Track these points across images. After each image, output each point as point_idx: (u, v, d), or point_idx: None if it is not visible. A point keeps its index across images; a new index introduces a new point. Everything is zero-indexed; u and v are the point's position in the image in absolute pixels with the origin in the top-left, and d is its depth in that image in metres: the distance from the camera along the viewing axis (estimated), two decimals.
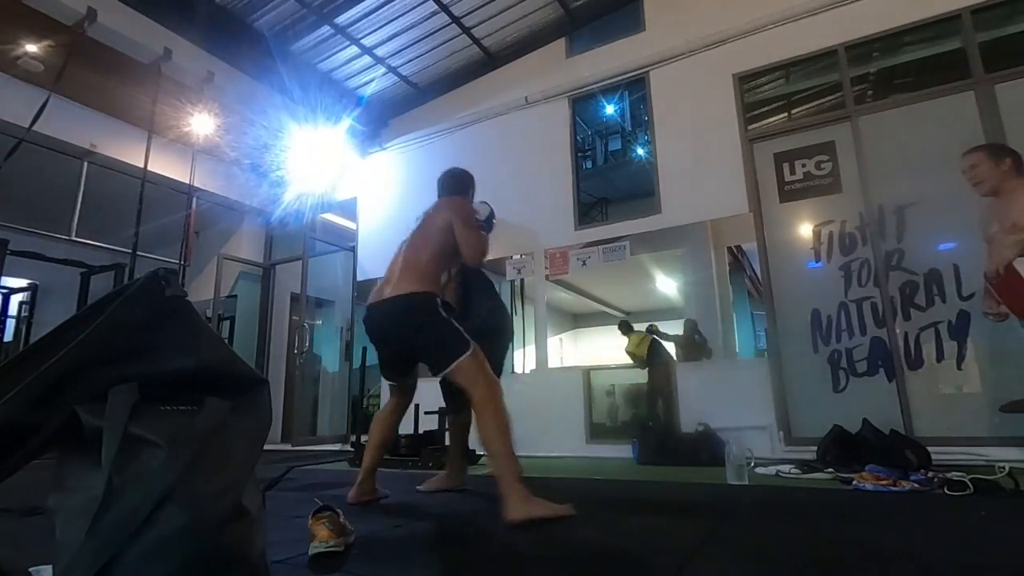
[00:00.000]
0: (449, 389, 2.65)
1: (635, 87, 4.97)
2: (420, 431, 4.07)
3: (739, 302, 4.74)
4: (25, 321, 6.08)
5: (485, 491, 2.46)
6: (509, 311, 3.09)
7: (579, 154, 5.21)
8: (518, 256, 4.97)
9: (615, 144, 5.85)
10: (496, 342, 2.93)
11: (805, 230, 3.88)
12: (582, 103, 5.17)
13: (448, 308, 2.15)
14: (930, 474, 2.39)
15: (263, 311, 6.72)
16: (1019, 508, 1.91)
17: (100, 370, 0.84)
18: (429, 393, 3.71)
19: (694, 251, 4.50)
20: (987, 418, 3.15)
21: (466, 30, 5.06)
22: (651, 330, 4.78)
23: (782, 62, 4.19)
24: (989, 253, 2.44)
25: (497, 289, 3.14)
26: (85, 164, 5.13)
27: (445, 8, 4.77)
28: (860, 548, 1.42)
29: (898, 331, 3.48)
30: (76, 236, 5.14)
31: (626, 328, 5.01)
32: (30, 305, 6.12)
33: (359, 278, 5.92)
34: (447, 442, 3.98)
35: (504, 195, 5.12)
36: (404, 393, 2.51)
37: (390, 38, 5.06)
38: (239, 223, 6.83)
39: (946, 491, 2.17)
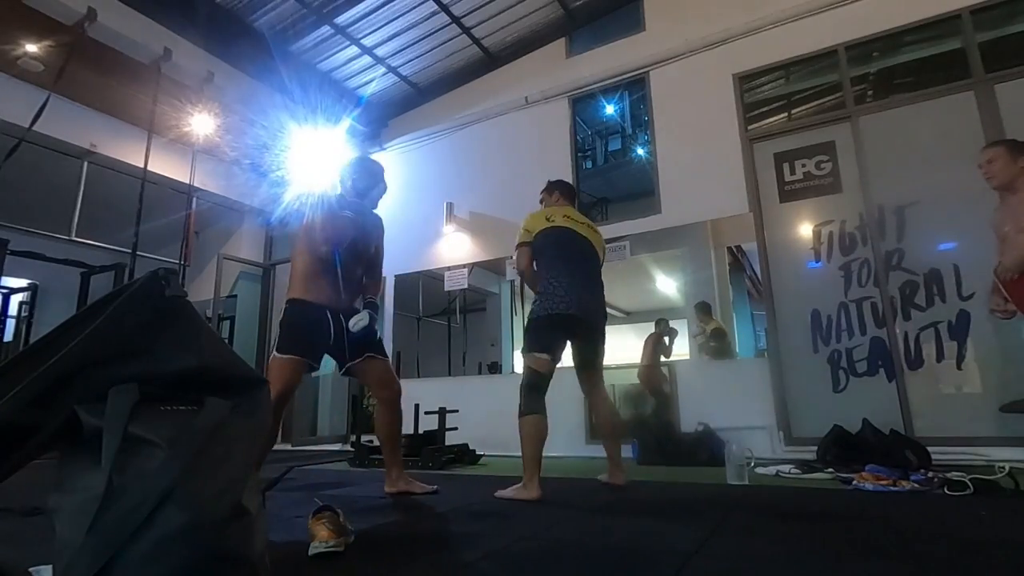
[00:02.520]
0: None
1: (635, 87, 4.97)
2: (420, 431, 4.08)
3: (739, 302, 4.73)
4: (25, 321, 6.08)
5: (484, 492, 2.46)
6: (571, 289, 2.43)
7: (579, 154, 5.21)
8: None
9: (615, 144, 5.84)
10: (538, 330, 2.48)
11: (805, 230, 3.88)
12: (582, 103, 5.17)
13: (290, 313, 2.36)
14: (930, 474, 2.39)
15: (263, 311, 6.72)
16: (1019, 508, 1.91)
17: (100, 370, 0.84)
18: (430, 393, 3.73)
19: (694, 251, 4.49)
20: (987, 418, 3.15)
21: (466, 30, 5.06)
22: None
23: (782, 62, 4.19)
24: (1001, 251, 2.45)
25: (562, 268, 2.56)
26: (85, 164, 5.13)
27: (445, 8, 4.77)
28: (860, 548, 1.42)
29: (898, 331, 3.48)
30: (76, 236, 5.14)
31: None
32: (30, 305, 6.12)
33: None
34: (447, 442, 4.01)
35: (504, 195, 5.13)
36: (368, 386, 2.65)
37: (390, 38, 5.06)
38: (239, 223, 6.83)
39: (946, 491, 2.17)
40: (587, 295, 2.50)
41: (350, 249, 2.43)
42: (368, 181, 2.58)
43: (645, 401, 4.51)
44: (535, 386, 2.38)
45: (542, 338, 2.44)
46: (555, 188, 2.93)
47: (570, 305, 2.43)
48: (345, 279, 2.43)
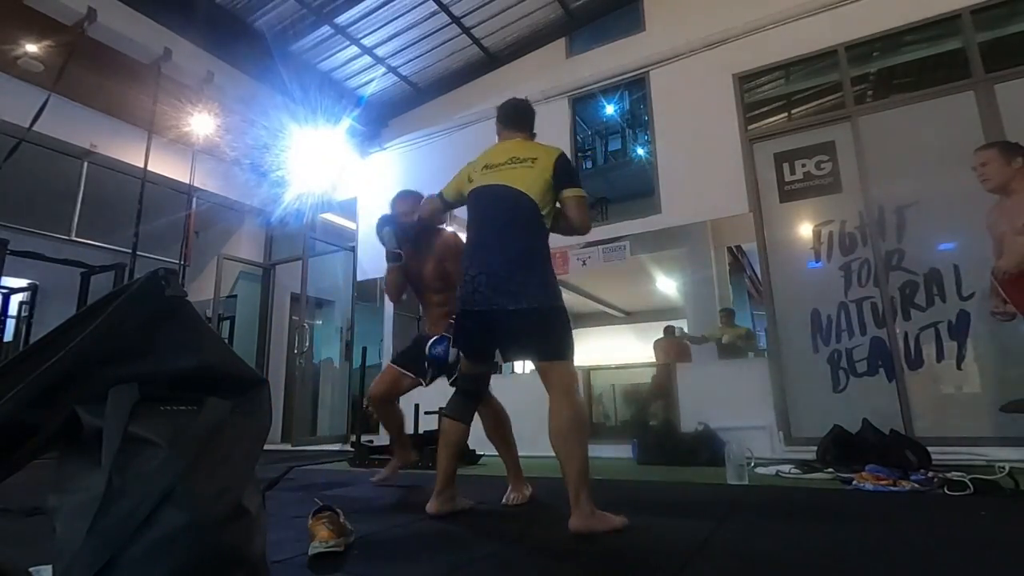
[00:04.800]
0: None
1: (635, 87, 4.96)
2: (420, 431, 4.08)
3: (739, 302, 4.73)
4: (25, 321, 6.08)
5: (484, 492, 2.46)
6: (467, 278, 1.93)
7: (579, 154, 5.21)
8: None
9: (615, 144, 5.84)
10: None
11: (805, 230, 3.88)
12: (582, 103, 5.16)
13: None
14: (930, 474, 2.39)
15: (263, 311, 6.72)
16: (1019, 508, 1.91)
17: (100, 370, 0.84)
18: (430, 393, 3.69)
19: (694, 251, 4.50)
20: (987, 418, 3.15)
21: (466, 30, 5.06)
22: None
23: (782, 62, 4.18)
24: (997, 252, 2.45)
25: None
26: (85, 164, 5.13)
27: (445, 8, 4.77)
28: (860, 548, 1.42)
29: (898, 331, 3.48)
30: (76, 236, 5.14)
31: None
32: (30, 305, 6.11)
33: (359, 278, 5.92)
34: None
35: None
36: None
37: (390, 38, 5.06)
38: (239, 223, 6.83)
39: (946, 491, 2.17)
40: (483, 277, 1.85)
41: (414, 276, 2.61)
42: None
43: (650, 402, 4.50)
44: (457, 386, 2.11)
45: (456, 335, 2.03)
46: (499, 118, 2.33)
47: (466, 299, 1.90)
48: (423, 304, 2.70)
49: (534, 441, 4.05)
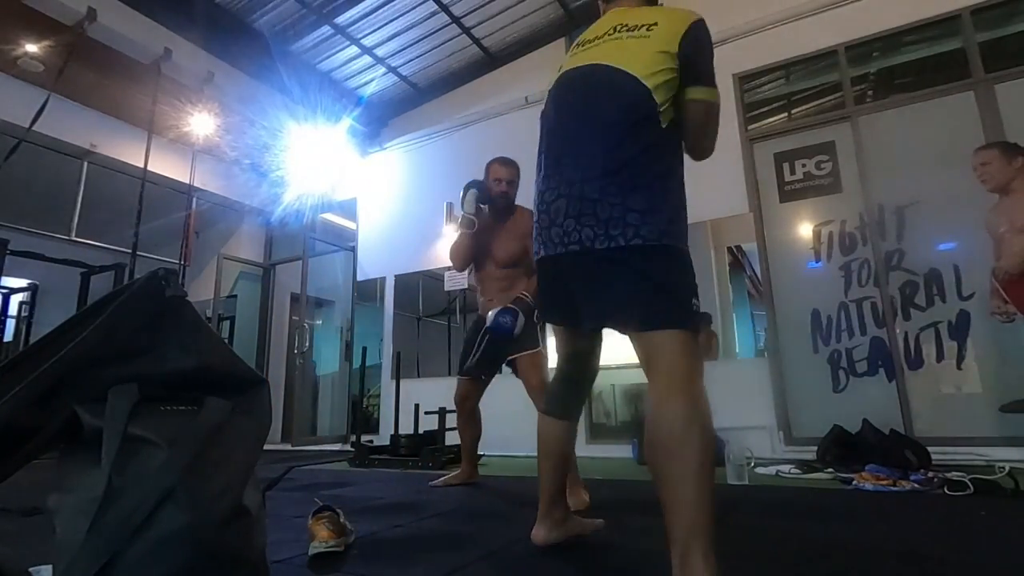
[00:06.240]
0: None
1: None
2: (420, 431, 4.08)
3: (739, 302, 4.73)
4: (25, 321, 6.08)
5: (484, 492, 2.46)
6: (541, 204, 1.40)
7: None
8: None
9: None
10: None
11: (805, 230, 3.88)
12: None
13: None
14: (930, 474, 2.39)
15: (263, 311, 6.72)
16: (1019, 508, 1.91)
17: (100, 370, 0.84)
18: (430, 393, 3.70)
19: (694, 251, 4.41)
20: (987, 418, 3.15)
21: (466, 30, 5.06)
22: None
23: (782, 62, 4.18)
24: (997, 252, 2.45)
25: None
26: (85, 164, 5.13)
27: (445, 8, 4.77)
28: (860, 548, 1.42)
29: (898, 331, 3.48)
30: (76, 236, 5.14)
31: None
32: (30, 305, 6.11)
33: (359, 278, 5.92)
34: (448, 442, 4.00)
35: None
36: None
37: (390, 38, 5.06)
38: (239, 223, 6.83)
39: (946, 491, 2.17)
40: (562, 202, 1.29)
41: (483, 248, 2.56)
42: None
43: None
44: (557, 371, 1.53)
45: (539, 294, 1.48)
46: None
47: (542, 239, 1.35)
48: (483, 279, 2.62)
49: (535, 442, 4.01)
